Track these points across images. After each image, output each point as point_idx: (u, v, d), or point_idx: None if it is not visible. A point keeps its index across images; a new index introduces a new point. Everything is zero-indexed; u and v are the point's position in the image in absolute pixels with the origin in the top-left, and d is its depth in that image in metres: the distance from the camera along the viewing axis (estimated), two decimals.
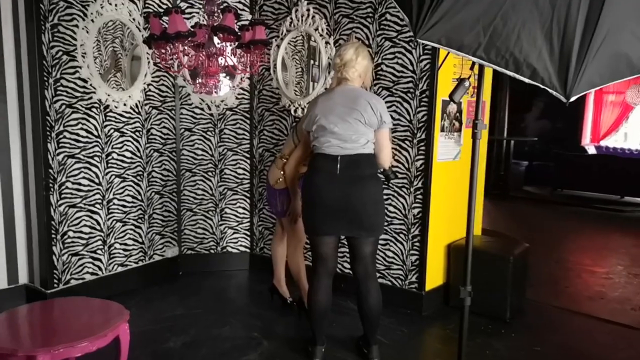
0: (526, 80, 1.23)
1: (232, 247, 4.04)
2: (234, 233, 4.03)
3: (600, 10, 1.18)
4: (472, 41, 1.19)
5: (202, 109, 3.83)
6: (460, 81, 1.66)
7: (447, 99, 2.90)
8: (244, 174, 3.99)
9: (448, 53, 1.40)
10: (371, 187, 2.41)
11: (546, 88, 1.24)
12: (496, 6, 1.18)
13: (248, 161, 3.98)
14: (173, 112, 3.77)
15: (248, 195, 4.01)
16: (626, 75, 1.36)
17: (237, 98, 3.90)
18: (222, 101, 3.86)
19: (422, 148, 3.17)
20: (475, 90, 1.63)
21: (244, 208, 4.02)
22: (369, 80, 2.67)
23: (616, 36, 1.26)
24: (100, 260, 3.39)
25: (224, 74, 3.54)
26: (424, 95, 3.13)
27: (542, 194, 8.51)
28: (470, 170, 1.57)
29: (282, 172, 2.92)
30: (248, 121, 3.95)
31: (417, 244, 3.23)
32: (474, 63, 1.38)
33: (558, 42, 1.21)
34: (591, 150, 9.33)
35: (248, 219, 4.04)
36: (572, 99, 1.23)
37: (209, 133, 3.87)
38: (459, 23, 1.18)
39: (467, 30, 1.18)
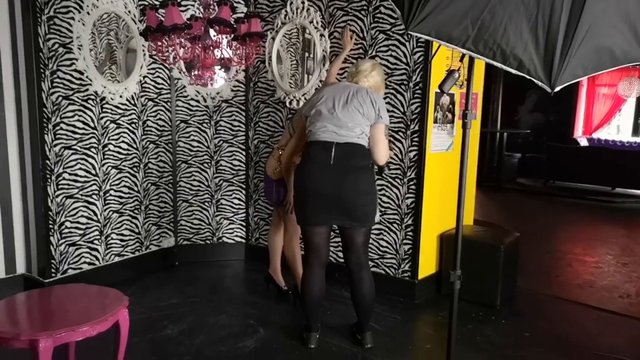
0: (513, 71, 1.28)
1: (228, 238, 4.09)
2: (229, 224, 4.07)
3: (583, 4, 1.24)
4: (461, 34, 1.24)
5: (197, 101, 3.86)
6: (450, 72, 1.71)
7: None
8: (239, 166, 4.03)
9: (439, 45, 1.45)
10: (364, 178, 2.46)
11: (532, 79, 1.29)
12: (484, 1, 1.23)
13: (243, 153, 4.02)
14: (169, 104, 3.80)
15: (244, 186, 4.06)
16: (608, 66, 1.42)
17: (232, 90, 3.93)
18: (217, 93, 3.89)
19: (416, 139, 3.22)
20: (466, 81, 1.68)
21: (239, 199, 4.07)
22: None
23: (598, 29, 1.31)
24: (97, 250, 3.43)
25: (220, 67, 3.57)
26: (417, 87, 3.18)
27: (535, 186, 8.61)
28: (460, 158, 1.62)
29: (278, 162, 2.97)
30: (243, 113, 3.99)
31: (410, 233, 3.30)
32: (463, 55, 1.43)
33: (543, 35, 1.26)
34: (583, 142, 9.44)
35: (244, 210, 4.09)
36: (557, 89, 1.29)
37: (204, 125, 3.91)
38: (448, 16, 1.23)
39: (456, 24, 1.23)
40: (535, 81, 1.30)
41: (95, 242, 3.41)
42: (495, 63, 1.28)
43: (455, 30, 1.23)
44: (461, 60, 1.82)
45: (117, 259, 3.56)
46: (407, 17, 1.21)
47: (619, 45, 1.41)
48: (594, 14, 1.28)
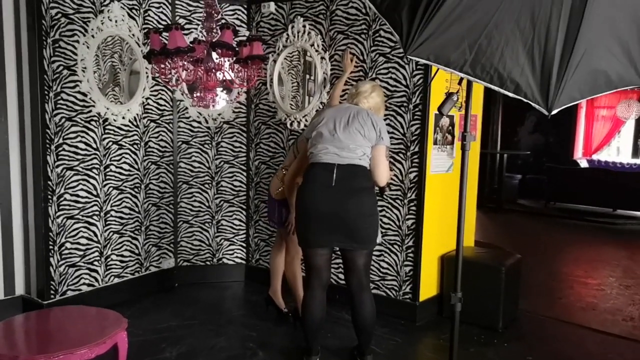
0: (510, 94, 1.30)
1: (228, 259, 4.07)
2: (230, 245, 4.06)
3: (578, 29, 1.26)
4: (458, 58, 1.26)
5: (199, 122, 3.90)
6: (449, 95, 1.74)
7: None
8: (240, 186, 4.04)
9: (438, 69, 1.48)
10: (366, 200, 2.46)
11: (529, 102, 1.31)
12: (481, 26, 1.25)
13: (244, 174, 4.04)
14: (171, 125, 3.83)
15: (244, 207, 4.06)
16: (604, 90, 1.44)
17: (234, 112, 3.97)
18: (219, 114, 3.93)
19: (416, 161, 3.24)
20: (464, 104, 1.70)
21: (240, 220, 4.06)
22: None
23: (594, 54, 1.34)
24: (96, 271, 3.41)
25: (222, 88, 3.62)
26: (417, 109, 3.21)
27: (536, 207, 8.59)
28: (459, 179, 1.63)
29: (282, 183, 2.99)
30: (245, 134, 4.02)
31: (411, 255, 3.28)
32: (462, 78, 1.45)
33: (539, 59, 1.29)
34: (583, 163, 9.46)
35: (244, 231, 4.08)
36: (554, 112, 1.30)
37: (206, 146, 3.93)
38: (446, 41, 1.25)
39: (454, 48, 1.25)
40: (532, 104, 1.32)
41: (95, 263, 3.40)
42: (492, 86, 1.30)
43: (453, 54, 1.26)
44: (460, 83, 1.85)
45: (116, 280, 3.54)
46: (406, 41, 1.24)
47: (614, 69, 1.44)
48: (589, 39, 1.31)
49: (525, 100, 1.30)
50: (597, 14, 1.29)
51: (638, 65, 1.47)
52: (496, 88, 1.30)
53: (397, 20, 1.27)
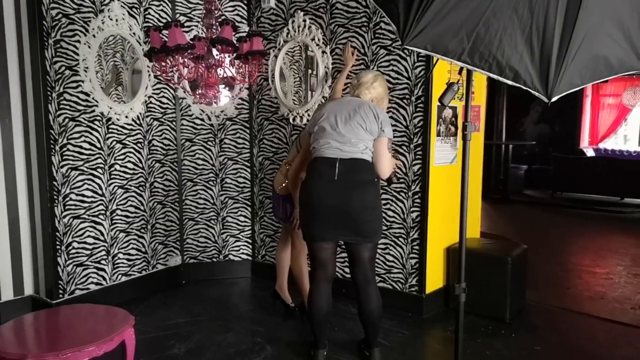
0: (509, 82, 1.29)
1: (234, 255, 4.09)
2: (235, 241, 4.08)
3: (576, 15, 1.25)
4: (456, 47, 1.25)
5: (202, 120, 3.90)
6: (450, 85, 1.72)
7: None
8: (244, 183, 4.05)
9: (437, 59, 1.47)
10: (369, 193, 2.45)
11: (528, 89, 1.30)
12: (478, 13, 1.24)
13: (248, 170, 4.05)
14: (174, 123, 3.84)
15: (249, 203, 4.07)
16: (605, 75, 1.42)
17: (236, 108, 3.97)
18: (222, 111, 3.93)
19: (419, 153, 3.22)
20: (465, 93, 1.69)
21: (245, 216, 4.07)
22: (384, 108, 2.68)
23: (593, 39, 1.32)
24: (104, 270, 3.44)
25: (223, 85, 3.62)
26: (419, 101, 3.20)
27: (542, 197, 8.55)
28: (461, 169, 1.63)
29: (285, 178, 2.99)
30: (248, 130, 4.02)
31: (417, 247, 3.28)
32: (462, 67, 1.44)
33: (538, 46, 1.27)
34: (589, 152, 9.39)
35: (249, 227, 4.09)
36: (554, 99, 1.29)
37: (209, 143, 3.94)
38: (443, 30, 1.24)
39: (451, 37, 1.24)
40: (532, 92, 1.31)
41: (103, 262, 3.42)
42: (491, 75, 1.29)
43: (450, 43, 1.25)
44: (460, 72, 1.84)
45: (124, 278, 3.57)
46: (403, 31, 1.23)
47: (615, 54, 1.42)
48: (589, 24, 1.29)
49: (525, 88, 1.28)
50: None
51: (639, 50, 1.45)
52: (495, 76, 1.29)
53: (394, 10, 1.26)
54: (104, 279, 3.44)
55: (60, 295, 3.20)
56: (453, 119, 3.39)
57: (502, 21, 1.25)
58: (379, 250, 3.42)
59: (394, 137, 3.29)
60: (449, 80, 3.15)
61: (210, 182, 3.97)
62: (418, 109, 3.21)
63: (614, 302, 3.71)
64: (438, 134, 3.27)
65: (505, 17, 1.25)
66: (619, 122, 9.67)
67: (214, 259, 4.04)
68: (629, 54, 1.44)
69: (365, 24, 3.36)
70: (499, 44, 1.25)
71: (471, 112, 3.60)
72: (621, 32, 1.40)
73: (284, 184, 3.00)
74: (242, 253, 4.10)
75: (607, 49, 1.39)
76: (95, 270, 3.38)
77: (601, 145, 9.74)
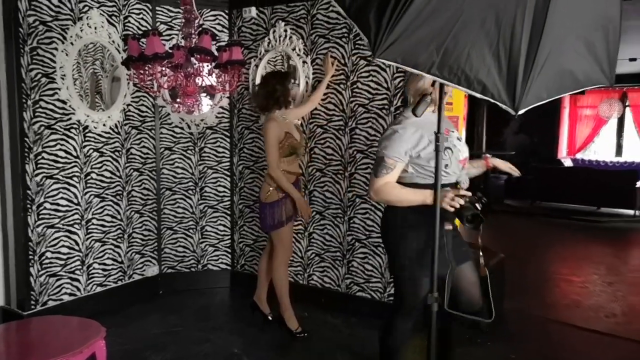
0: (478, 95, 1.32)
1: (213, 265, 4.05)
2: (214, 251, 4.04)
3: (542, 30, 1.28)
4: (426, 60, 1.27)
5: (182, 128, 3.88)
6: (423, 97, 1.75)
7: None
8: (224, 192, 4.02)
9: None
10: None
11: (496, 102, 1.33)
12: (448, 28, 1.27)
13: (228, 179, 4.03)
14: (153, 131, 3.81)
15: (229, 212, 4.04)
16: (571, 89, 1.47)
17: (217, 117, 3.96)
18: (202, 120, 3.91)
19: None
20: (440, 104, 1.71)
21: (224, 225, 4.05)
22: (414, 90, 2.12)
23: (559, 54, 1.36)
24: (78, 280, 3.37)
25: (204, 94, 3.61)
26: (398, 112, 3.23)
27: (522, 207, 8.67)
28: (434, 180, 1.65)
29: (270, 187, 3.00)
30: (228, 139, 4.01)
31: None
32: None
33: (505, 60, 1.31)
34: (567, 163, 9.57)
35: (229, 236, 4.06)
36: (521, 112, 1.32)
37: (189, 152, 3.92)
38: (414, 43, 1.26)
39: (421, 50, 1.26)
40: (500, 104, 1.33)
41: (77, 272, 3.36)
42: (460, 87, 1.31)
43: (421, 56, 1.27)
44: (433, 85, 1.87)
45: (99, 289, 3.50)
46: (374, 43, 1.25)
47: (580, 69, 1.46)
48: (554, 39, 1.33)
49: (492, 101, 1.31)
50: (561, 15, 1.31)
51: (604, 65, 1.50)
52: (463, 89, 1.31)
53: (366, 23, 1.28)
54: (78, 289, 3.38)
55: (32, 307, 3.13)
56: None
57: (471, 36, 1.28)
58: (357, 259, 3.44)
59: (374, 147, 3.31)
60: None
61: (190, 191, 3.94)
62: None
63: (589, 311, 3.77)
64: None
65: (474, 32, 1.28)
66: (595, 133, 9.90)
67: (193, 269, 4.00)
68: (594, 68, 1.49)
69: (346, 34, 3.39)
70: (468, 57, 1.28)
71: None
72: (586, 47, 1.45)
73: (269, 191, 3.01)
74: (221, 262, 4.07)
75: (573, 64, 1.43)
76: (69, 280, 3.32)
77: (579, 156, 9.94)
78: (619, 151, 9.84)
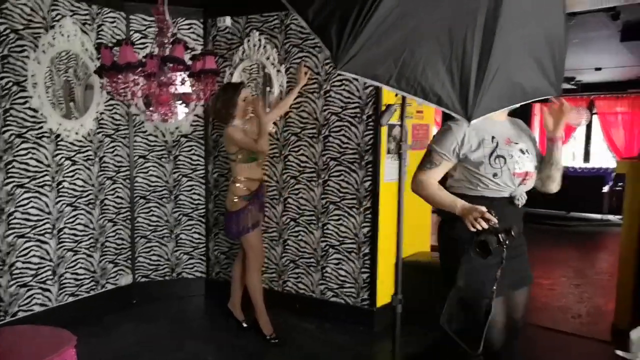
0: (434, 105, 1.40)
1: (188, 273, 4.05)
2: (189, 259, 4.04)
3: (491, 45, 1.37)
4: (384, 72, 1.35)
5: (156, 136, 3.88)
6: (388, 107, 1.83)
7: (391, 123, 3.06)
8: (199, 200, 4.03)
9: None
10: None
11: (451, 112, 1.41)
12: (405, 41, 1.34)
13: (203, 186, 4.04)
14: (127, 139, 3.80)
15: (203, 220, 4.05)
16: (520, 100, 1.56)
17: (191, 125, 3.97)
18: (176, 128, 3.92)
19: (370, 169, 3.32)
20: (402, 114, 1.79)
21: (199, 233, 4.05)
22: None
23: (508, 69, 1.46)
24: (49, 290, 3.33)
25: (180, 101, 3.62)
26: (370, 120, 3.31)
27: None
28: (397, 185, 1.72)
29: (234, 196, 3.04)
30: (203, 147, 4.02)
31: (368, 262, 3.35)
32: None
33: (457, 73, 1.39)
34: None
35: (204, 244, 4.07)
36: (473, 121, 1.41)
37: (163, 160, 3.92)
38: (373, 56, 1.34)
39: (380, 63, 1.34)
40: (454, 114, 1.41)
41: (48, 282, 3.32)
42: (416, 98, 1.39)
43: (379, 68, 1.34)
44: (397, 95, 1.94)
45: (71, 299, 3.47)
46: (336, 56, 1.31)
47: (529, 82, 1.56)
48: (503, 54, 1.42)
49: (447, 111, 1.39)
50: (508, 34, 1.41)
51: (551, 78, 1.60)
52: (420, 100, 1.39)
53: (328, 37, 1.35)
54: (50, 299, 3.34)
55: (2, 318, 3.08)
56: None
57: (426, 49, 1.36)
58: (331, 265, 3.49)
59: (346, 154, 3.38)
60: (395, 102, 3.29)
61: (164, 199, 3.94)
62: (369, 128, 3.31)
63: (557, 312, 3.89)
64: (388, 152, 3.38)
65: (429, 46, 1.36)
66: (565, 141, 10.20)
67: (167, 277, 3.99)
68: (542, 81, 1.59)
69: (319, 44, 3.45)
70: (423, 70, 1.36)
71: (419, 130, 3.73)
72: (535, 62, 1.55)
73: (235, 199, 3.05)
74: (196, 271, 4.07)
75: (522, 77, 1.53)
76: (40, 290, 3.28)
77: None
78: (586, 157, 10.15)
